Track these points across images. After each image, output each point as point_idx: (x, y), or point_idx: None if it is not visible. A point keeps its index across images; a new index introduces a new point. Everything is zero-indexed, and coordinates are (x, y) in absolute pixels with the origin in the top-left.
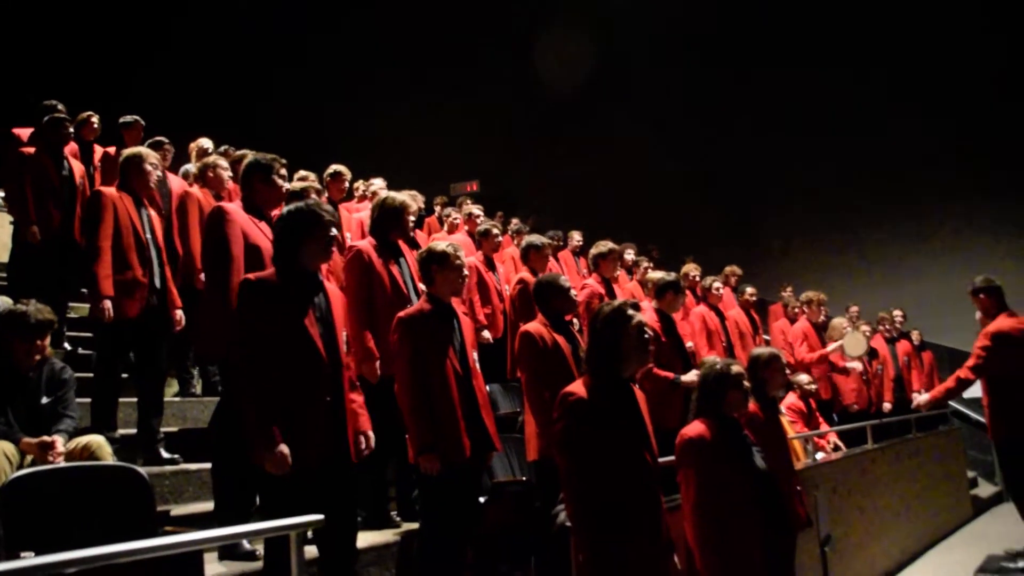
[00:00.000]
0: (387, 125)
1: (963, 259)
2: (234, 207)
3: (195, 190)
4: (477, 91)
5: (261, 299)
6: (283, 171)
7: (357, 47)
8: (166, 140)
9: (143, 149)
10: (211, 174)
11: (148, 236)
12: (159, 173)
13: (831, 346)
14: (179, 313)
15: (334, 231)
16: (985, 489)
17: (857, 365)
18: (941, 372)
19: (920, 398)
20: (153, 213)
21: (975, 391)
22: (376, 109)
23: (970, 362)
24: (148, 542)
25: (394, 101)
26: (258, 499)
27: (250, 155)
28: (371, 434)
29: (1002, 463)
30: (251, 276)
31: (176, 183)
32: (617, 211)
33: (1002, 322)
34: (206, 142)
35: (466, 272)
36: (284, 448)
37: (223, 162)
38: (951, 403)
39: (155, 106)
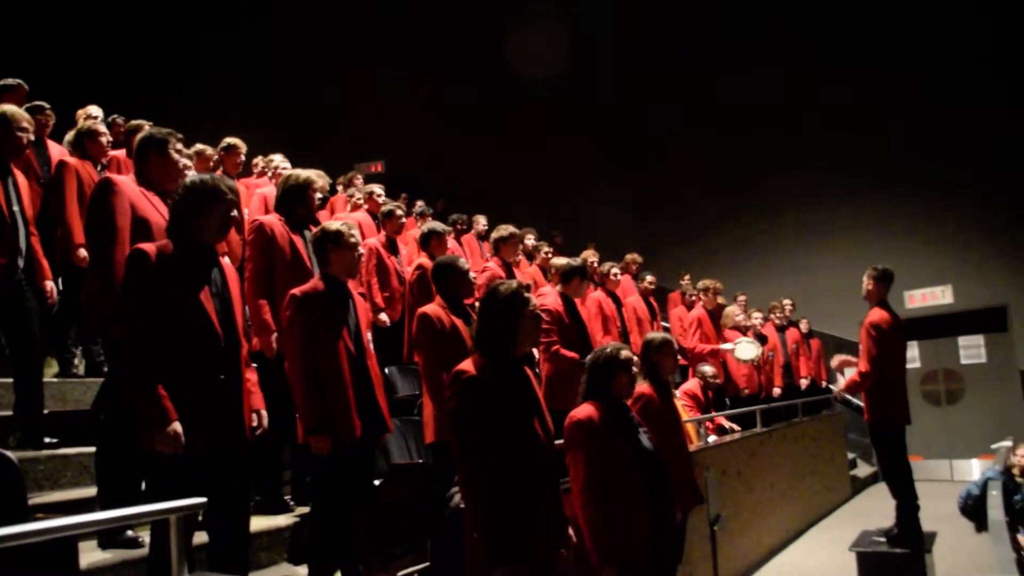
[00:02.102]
0: (292, 102)
1: (851, 253)
2: (123, 179)
3: (72, 160)
4: (385, 71)
5: (152, 270)
6: (179, 145)
7: (266, 26)
8: (47, 105)
9: (12, 108)
10: (88, 142)
11: (16, 208)
12: (31, 137)
13: (723, 345)
14: (49, 284)
15: (235, 212)
16: (863, 470)
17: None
18: (827, 359)
19: (837, 389)
20: (22, 180)
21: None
22: (282, 85)
23: (866, 357)
24: (13, 528)
25: (301, 78)
26: (144, 484)
27: (145, 128)
28: (264, 413)
29: (875, 446)
30: (143, 246)
31: (56, 151)
32: (524, 197)
33: (878, 314)
34: (95, 109)
35: (361, 251)
36: (177, 425)
37: (102, 127)
38: (834, 388)
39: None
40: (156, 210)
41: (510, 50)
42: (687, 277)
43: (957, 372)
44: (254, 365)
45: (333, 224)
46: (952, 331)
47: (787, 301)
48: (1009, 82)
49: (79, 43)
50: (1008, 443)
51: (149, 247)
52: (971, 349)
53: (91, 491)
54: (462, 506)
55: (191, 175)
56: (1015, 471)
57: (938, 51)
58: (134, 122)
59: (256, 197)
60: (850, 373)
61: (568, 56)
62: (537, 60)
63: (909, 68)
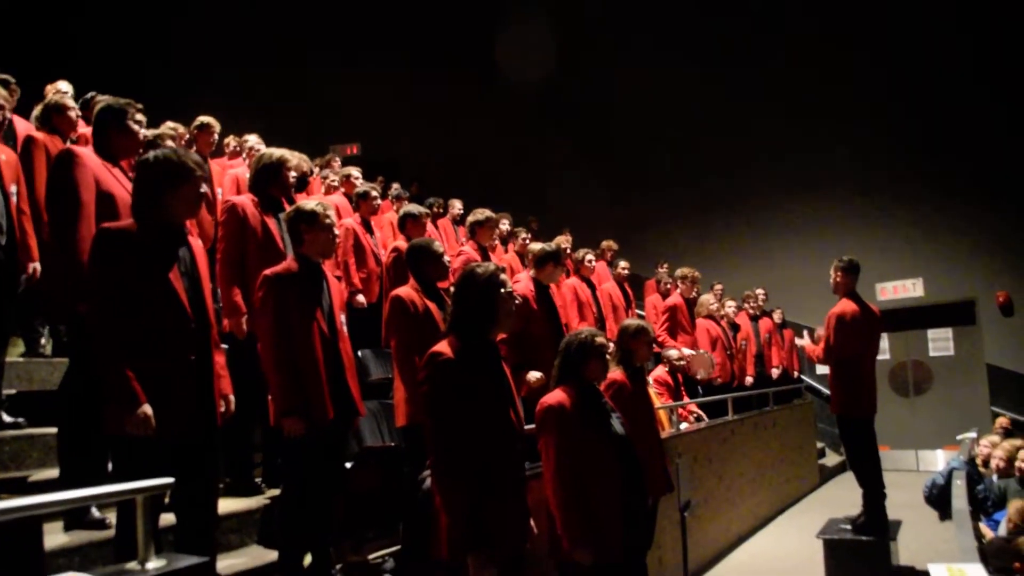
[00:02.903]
0: (267, 82)
1: (825, 245)
2: (86, 151)
3: (40, 135)
4: (363, 55)
5: (121, 250)
6: (139, 116)
7: (245, 5)
8: (12, 79)
9: None
10: (56, 116)
11: None
12: (7, 115)
13: (685, 350)
14: (32, 266)
15: (204, 187)
16: (831, 459)
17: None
18: (799, 350)
19: (803, 341)
20: (8, 156)
21: (825, 368)
22: (257, 65)
23: (823, 344)
24: None
25: (278, 59)
26: (111, 465)
27: (102, 100)
28: (232, 398)
29: (841, 436)
30: (109, 225)
31: (22, 127)
32: (501, 181)
33: (844, 305)
34: (64, 84)
35: (336, 232)
36: (147, 408)
37: (70, 102)
38: (805, 378)
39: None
40: (120, 184)
41: (489, 42)
42: (665, 266)
43: (925, 364)
44: (224, 347)
45: (308, 204)
46: (922, 324)
47: (760, 291)
48: (986, 81)
49: (50, 20)
50: (972, 435)
51: (115, 226)
52: (939, 342)
53: (57, 471)
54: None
55: (154, 151)
56: (979, 462)
57: (917, 48)
58: (97, 98)
59: (228, 177)
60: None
61: (547, 49)
62: (517, 54)
63: (887, 64)
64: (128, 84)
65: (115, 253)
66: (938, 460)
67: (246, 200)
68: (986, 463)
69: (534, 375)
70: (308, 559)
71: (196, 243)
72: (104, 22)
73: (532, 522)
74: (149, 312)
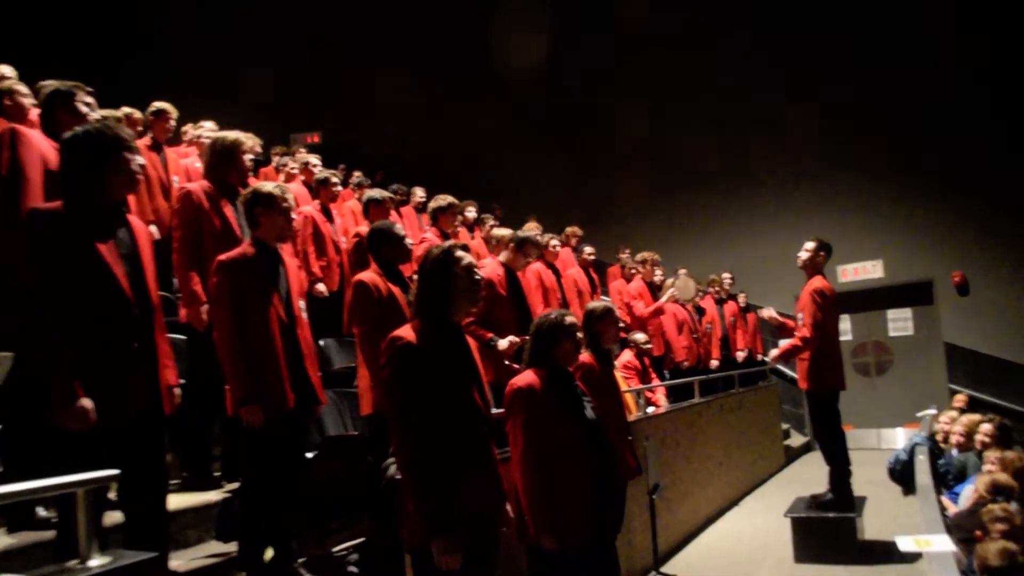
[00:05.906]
0: (227, 71)
1: (788, 228)
2: (31, 130)
3: None
4: (325, 41)
5: (54, 232)
6: (88, 99)
7: None
8: None
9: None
10: (8, 101)
11: None
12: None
13: (664, 298)
14: None
15: (140, 159)
16: (796, 440)
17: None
18: (764, 333)
19: (772, 353)
20: None
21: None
22: (215, 51)
23: (808, 321)
24: None
25: (234, 45)
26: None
27: (50, 84)
28: (177, 390)
29: (811, 413)
30: (41, 206)
31: None
32: (464, 170)
33: (820, 282)
34: (7, 69)
35: (294, 215)
36: (86, 402)
37: (23, 88)
38: (769, 360)
39: None
40: None
41: (452, 29)
42: (627, 251)
43: (886, 344)
44: (181, 338)
45: (266, 186)
46: (882, 304)
47: (726, 275)
48: (949, 66)
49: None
50: (932, 411)
51: (46, 207)
52: (899, 322)
53: None
54: (398, 477)
55: (80, 126)
56: (939, 438)
57: (880, 32)
58: (44, 83)
59: (183, 167)
60: (784, 342)
61: (511, 38)
62: (482, 42)
63: (849, 48)
64: (100, 73)
65: (48, 234)
66: (899, 438)
67: (199, 187)
68: (946, 439)
69: (504, 341)
70: (269, 553)
71: (137, 222)
72: (71, 12)
73: (508, 507)
74: (86, 297)
